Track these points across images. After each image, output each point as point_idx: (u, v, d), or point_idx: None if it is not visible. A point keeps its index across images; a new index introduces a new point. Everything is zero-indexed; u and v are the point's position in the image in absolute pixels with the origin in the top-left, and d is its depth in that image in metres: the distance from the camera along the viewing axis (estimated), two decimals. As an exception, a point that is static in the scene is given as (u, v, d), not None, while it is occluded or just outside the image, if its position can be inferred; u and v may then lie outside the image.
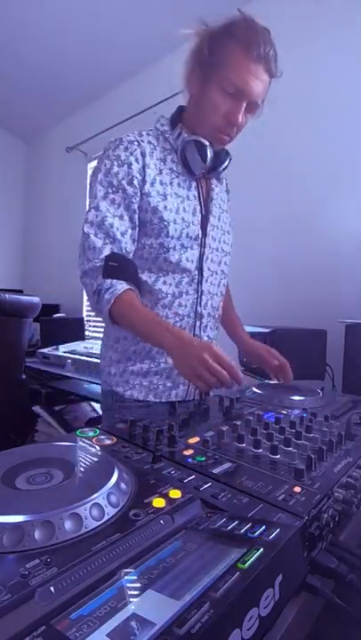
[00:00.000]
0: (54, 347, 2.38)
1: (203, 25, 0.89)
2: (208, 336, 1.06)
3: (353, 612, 0.34)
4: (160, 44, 2.32)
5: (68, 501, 0.37)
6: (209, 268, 1.02)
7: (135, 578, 0.30)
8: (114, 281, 0.86)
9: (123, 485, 0.42)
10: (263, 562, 0.32)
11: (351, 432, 0.68)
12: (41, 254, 3.75)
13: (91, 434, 0.61)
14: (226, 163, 1.04)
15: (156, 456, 0.52)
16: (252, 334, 1.38)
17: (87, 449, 0.52)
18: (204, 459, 0.54)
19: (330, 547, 0.42)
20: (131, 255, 0.92)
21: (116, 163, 0.90)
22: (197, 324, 1.02)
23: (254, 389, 0.96)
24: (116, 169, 0.90)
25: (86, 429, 0.62)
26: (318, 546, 0.41)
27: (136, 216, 0.92)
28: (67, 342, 2.46)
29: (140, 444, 0.58)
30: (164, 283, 0.96)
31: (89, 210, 0.91)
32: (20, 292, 3.02)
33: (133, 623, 0.26)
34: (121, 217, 0.90)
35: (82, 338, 2.72)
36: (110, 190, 0.90)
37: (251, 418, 0.70)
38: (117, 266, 0.88)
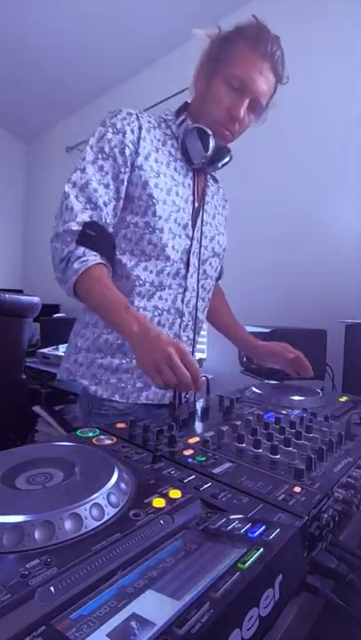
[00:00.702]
0: (54, 347, 2.38)
1: (216, 29, 0.90)
2: (188, 336, 1.00)
3: (353, 612, 0.34)
4: (160, 43, 2.32)
5: (68, 501, 0.37)
6: (194, 264, 0.97)
7: (135, 578, 0.30)
8: (87, 250, 0.80)
9: (123, 485, 0.42)
10: (263, 562, 0.32)
11: (351, 432, 0.68)
12: (41, 254, 3.74)
13: (91, 434, 0.60)
14: (226, 159, 1.01)
15: (156, 456, 0.52)
16: (252, 334, 1.38)
17: (87, 449, 0.52)
18: (204, 459, 0.54)
19: (330, 547, 0.42)
20: (110, 229, 0.87)
21: (110, 130, 0.87)
22: (178, 321, 0.97)
23: (254, 389, 0.95)
24: (110, 135, 0.86)
25: (86, 429, 0.62)
26: (318, 546, 0.41)
27: (123, 188, 0.87)
28: (67, 342, 2.46)
29: (140, 443, 0.58)
30: (145, 269, 0.90)
31: (74, 170, 0.85)
32: (20, 291, 3.02)
33: (133, 623, 0.26)
34: (107, 185, 0.85)
35: (82, 338, 2.71)
36: (100, 156, 0.85)
37: (251, 418, 0.70)
38: (95, 235, 0.82)
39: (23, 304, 1.87)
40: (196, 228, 0.97)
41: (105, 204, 0.84)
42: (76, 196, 0.82)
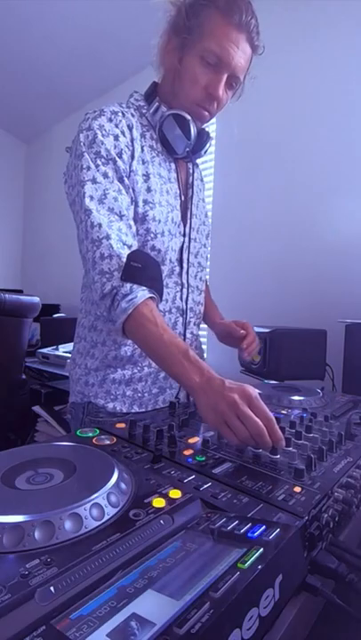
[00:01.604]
0: (54, 347, 2.38)
1: None
2: (192, 332, 0.98)
3: (353, 612, 0.34)
4: (160, 43, 2.31)
5: (68, 501, 0.37)
6: (188, 260, 0.94)
7: (135, 578, 0.30)
8: (134, 286, 0.72)
9: (123, 485, 0.42)
10: (263, 562, 0.32)
11: (351, 432, 0.68)
12: (41, 254, 3.75)
13: (91, 434, 0.60)
14: (208, 145, 0.95)
15: (156, 456, 0.52)
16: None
17: (87, 449, 0.52)
18: (204, 459, 0.54)
19: (330, 547, 0.42)
20: (136, 237, 0.81)
21: (99, 132, 0.79)
22: (181, 320, 0.94)
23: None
24: (100, 138, 0.79)
25: (86, 429, 0.62)
26: (318, 546, 0.41)
27: (130, 192, 0.81)
28: (67, 342, 2.46)
29: (140, 444, 0.58)
30: None
31: (84, 183, 0.77)
32: (20, 292, 3.02)
33: (133, 623, 0.26)
34: (119, 191, 0.79)
35: (82, 338, 2.71)
36: (100, 162, 0.78)
37: (251, 418, 0.69)
38: (140, 268, 0.73)
39: (23, 304, 1.87)
40: (186, 222, 0.93)
41: (127, 210, 0.79)
42: (97, 210, 0.76)
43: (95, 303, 0.77)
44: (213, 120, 2.21)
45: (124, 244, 0.76)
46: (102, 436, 0.59)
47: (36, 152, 3.90)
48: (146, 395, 0.90)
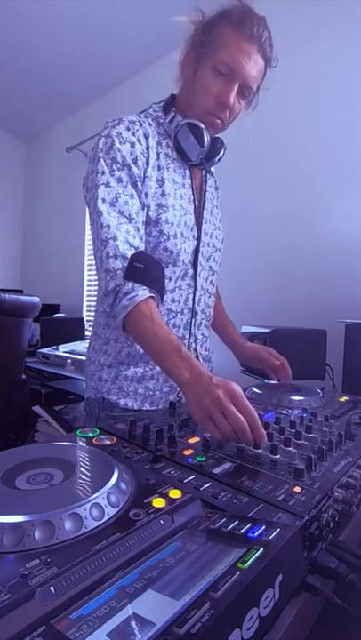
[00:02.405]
0: (54, 347, 2.38)
1: (199, 12, 0.87)
2: (203, 334, 1.02)
3: (353, 612, 0.34)
4: (161, 42, 2.32)
5: (68, 501, 0.37)
6: (201, 263, 0.98)
7: (135, 578, 0.30)
8: (135, 285, 0.77)
9: (123, 485, 0.42)
10: (263, 562, 0.32)
11: (351, 432, 0.68)
12: (41, 254, 3.75)
13: (91, 434, 0.60)
14: (221, 153, 0.99)
15: (156, 456, 0.52)
16: (253, 334, 1.38)
17: (87, 449, 0.52)
18: (204, 459, 0.54)
19: (330, 547, 0.42)
20: (144, 240, 0.86)
21: (117, 140, 0.84)
22: (192, 321, 0.97)
23: (254, 389, 0.95)
24: (118, 145, 0.83)
25: (86, 429, 0.62)
26: (318, 546, 0.41)
27: (143, 198, 0.86)
28: (67, 342, 2.46)
29: (140, 444, 0.58)
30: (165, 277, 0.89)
31: (97, 187, 0.82)
32: (20, 292, 3.03)
33: (133, 623, 0.26)
34: (131, 196, 0.83)
35: (82, 338, 2.72)
36: (115, 167, 0.83)
37: (251, 418, 0.69)
38: (143, 268, 0.78)
39: (23, 304, 1.88)
40: (200, 227, 0.97)
41: (137, 214, 0.83)
42: (108, 212, 0.80)
43: (100, 299, 0.81)
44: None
45: (131, 246, 0.80)
46: (102, 436, 0.59)
47: (36, 152, 3.90)
48: (157, 393, 0.93)
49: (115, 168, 0.83)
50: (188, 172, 0.96)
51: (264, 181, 1.90)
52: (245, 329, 1.44)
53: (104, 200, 0.81)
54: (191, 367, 0.68)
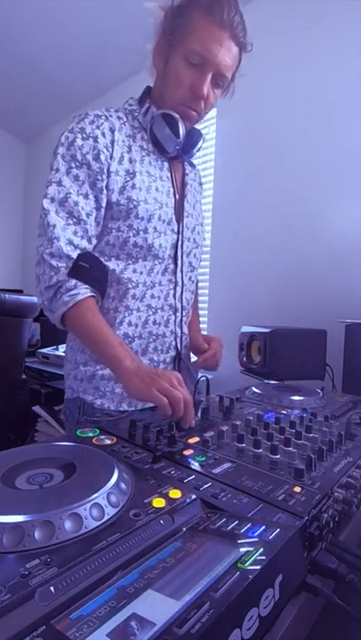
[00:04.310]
0: (54, 347, 2.38)
1: None
2: (183, 331, 0.99)
3: (353, 612, 0.34)
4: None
5: (68, 501, 0.37)
6: (181, 258, 0.95)
7: (135, 578, 0.30)
8: (78, 283, 0.78)
9: (123, 485, 0.42)
10: (263, 562, 0.32)
11: (351, 432, 0.68)
12: (41, 254, 3.74)
13: (91, 434, 0.60)
14: (199, 144, 0.95)
15: (156, 456, 0.52)
16: (253, 334, 1.38)
17: (87, 449, 0.52)
18: (204, 459, 0.54)
19: (330, 547, 0.42)
20: (94, 240, 0.84)
21: (79, 135, 0.81)
22: (173, 318, 0.95)
23: (254, 389, 0.95)
24: (79, 142, 0.81)
25: (86, 429, 0.62)
26: (318, 546, 0.41)
27: (102, 196, 0.82)
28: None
29: (140, 444, 0.58)
30: (135, 271, 0.87)
31: (49, 184, 0.81)
32: (20, 292, 3.02)
33: (133, 623, 0.26)
34: (86, 195, 0.81)
35: (82, 338, 2.71)
36: (73, 165, 0.81)
37: (251, 418, 0.70)
38: (88, 268, 0.79)
39: (23, 304, 1.88)
40: (181, 220, 0.94)
41: (87, 216, 0.81)
42: (57, 212, 0.79)
43: (40, 292, 0.81)
44: (213, 121, 2.21)
45: (76, 247, 0.80)
46: (102, 436, 0.59)
47: (35, 152, 3.90)
48: None
49: (73, 165, 0.81)
50: (166, 165, 0.93)
51: (264, 182, 1.90)
52: (245, 329, 1.44)
53: (53, 199, 0.80)
54: (132, 357, 0.74)
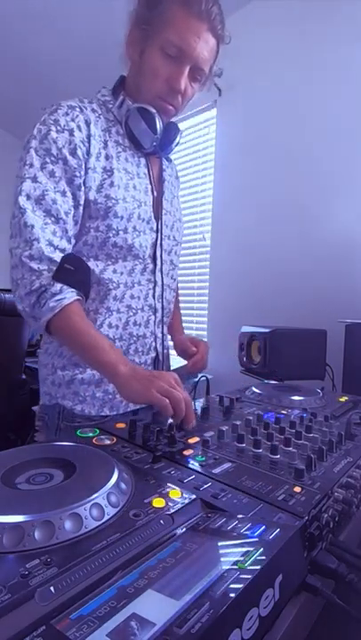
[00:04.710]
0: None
1: None
2: (162, 332, 0.96)
3: (353, 612, 0.34)
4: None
5: (68, 501, 0.37)
6: (161, 256, 0.92)
7: (135, 578, 0.30)
8: (64, 287, 0.74)
9: (123, 485, 0.42)
10: (263, 562, 0.32)
11: (351, 432, 0.68)
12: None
13: (91, 434, 0.61)
14: (177, 139, 0.93)
15: (156, 456, 0.52)
16: (253, 334, 1.38)
17: (87, 449, 0.52)
18: (204, 459, 0.54)
19: (330, 547, 0.42)
20: (73, 240, 0.80)
21: (53, 128, 0.76)
22: (153, 318, 0.92)
23: (254, 389, 0.95)
24: (54, 134, 0.75)
25: (86, 429, 0.62)
26: (318, 546, 0.41)
27: (80, 193, 0.78)
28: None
29: (140, 444, 0.58)
30: (115, 271, 0.84)
31: (22, 180, 0.75)
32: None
33: (133, 623, 0.26)
34: (63, 193, 0.76)
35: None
36: (49, 160, 0.75)
37: (251, 418, 0.70)
38: (73, 270, 0.75)
39: (23, 304, 1.87)
40: (159, 218, 0.91)
41: (66, 214, 0.77)
42: (33, 210, 0.74)
43: (20, 297, 0.76)
44: (213, 121, 2.21)
45: (56, 248, 0.76)
46: (102, 436, 0.59)
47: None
48: (117, 396, 0.86)
49: (48, 160, 0.75)
50: (143, 161, 0.89)
51: (264, 182, 1.90)
52: (245, 329, 1.44)
53: (29, 197, 0.74)
54: (125, 361, 0.72)
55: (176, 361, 1.11)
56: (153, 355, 0.95)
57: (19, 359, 2.03)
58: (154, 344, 0.94)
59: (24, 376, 2.08)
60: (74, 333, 0.73)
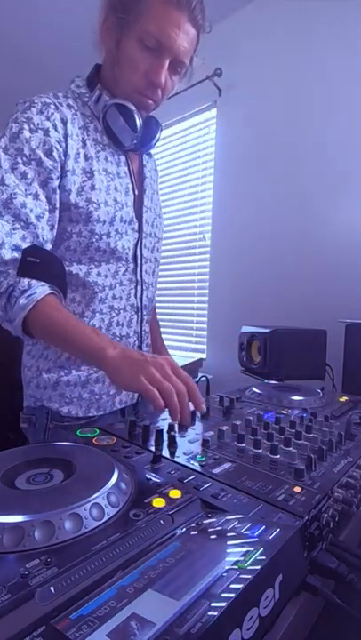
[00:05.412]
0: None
1: None
2: (145, 330, 0.95)
3: (353, 612, 0.34)
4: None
5: (68, 501, 0.37)
6: (144, 256, 0.90)
7: (135, 578, 0.30)
8: (32, 281, 0.69)
9: (123, 485, 0.42)
10: (263, 562, 0.32)
11: (351, 432, 0.68)
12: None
13: (91, 434, 0.61)
14: (158, 134, 0.90)
15: (156, 456, 0.52)
16: (253, 334, 1.38)
17: (87, 449, 0.52)
18: (204, 459, 0.54)
19: (330, 547, 0.42)
20: (49, 245, 0.76)
21: (26, 126, 0.71)
22: (136, 317, 0.91)
23: (254, 389, 0.95)
24: (27, 134, 0.71)
25: (86, 429, 0.62)
26: (318, 546, 0.41)
27: (56, 197, 0.74)
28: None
29: (140, 444, 0.58)
30: (99, 274, 0.82)
31: None
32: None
33: (133, 623, 0.26)
34: (36, 196, 0.72)
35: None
36: (20, 160, 0.71)
37: (251, 418, 0.70)
38: (39, 262, 0.70)
39: (23, 304, 1.87)
40: (141, 217, 0.89)
41: (38, 218, 0.72)
42: (1, 215, 0.69)
43: None
44: (213, 121, 2.21)
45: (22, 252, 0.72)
46: (102, 436, 0.59)
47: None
48: (104, 397, 0.85)
49: (19, 161, 0.71)
50: (123, 159, 0.86)
51: (264, 182, 1.90)
52: (245, 329, 1.44)
53: None
54: (114, 344, 0.66)
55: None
56: None
57: (19, 359, 2.03)
58: (137, 342, 0.94)
59: (24, 376, 2.07)
60: (53, 327, 0.69)
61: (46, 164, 0.72)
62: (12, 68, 2.91)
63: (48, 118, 0.73)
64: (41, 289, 0.69)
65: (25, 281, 0.68)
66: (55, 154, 0.73)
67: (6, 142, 0.72)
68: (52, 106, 0.75)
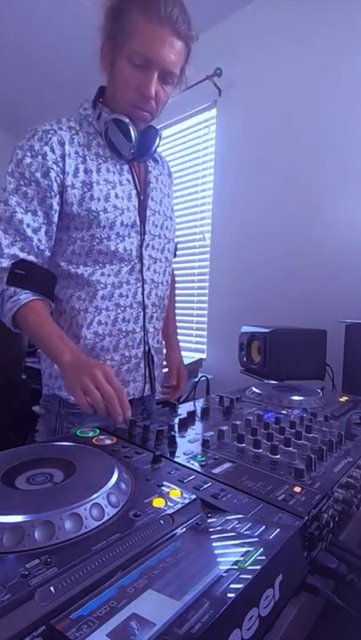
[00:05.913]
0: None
1: None
2: (154, 327, 1.01)
3: (353, 612, 0.34)
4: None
5: (68, 501, 0.37)
6: (150, 256, 0.97)
7: (135, 578, 0.30)
8: (17, 289, 0.81)
9: (123, 485, 0.42)
10: (263, 562, 0.32)
11: (351, 432, 0.68)
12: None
13: (91, 434, 0.61)
14: (157, 142, 0.96)
15: (156, 456, 0.52)
16: (253, 334, 1.38)
17: (87, 449, 0.52)
18: (204, 459, 0.54)
19: (330, 547, 0.42)
20: (47, 253, 0.87)
21: (28, 153, 0.83)
22: (142, 314, 0.97)
23: (254, 389, 0.96)
24: (28, 160, 0.83)
25: (86, 429, 0.62)
26: (318, 546, 0.41)
27: (53, 212, 0.85)
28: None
29: (140, 444, 0.58)
30: (102, 274, 0.90)
31: None
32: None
33: (133, 623, 0.26)
34: (34, 212, 0.83)
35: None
36: (22, 182, 0.83)
37: (251, 418, 0.70)
38: (24, 274, 0.82)
39: (23, 304, 1.87)
40: (145, 220, 0.95)
41: (35, 232, 0.84)
42: (5, 230, 0.82)
43: None
44: (213, 121, 2.21)
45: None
46: (102, 436, 0.59)
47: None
48: None
49: (22, 183, 0.83)
50: (126, 167, 0.94)
51: (264, 182, 1.90)
52: (245, 329, 1.44)
53: (0, 219, 0.82)
54: (72, 351, 0.77)
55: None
56: (144, 348, 0.98)
57: (19, 359, 2.03)
58: (145, 338, 0.98)
59: (24, 376, 2.07)
60: (31, 330, 0.81)
61: (43, 184, 0.83)
62: (13, 68, 2.91)
63: (47, 143, 0.84)
64: (24, 296, 0.81)
65: (11, 289, 0.81)
66: (52, 174, 0.83)
67: (13, 167, 0.84)
68: (51, 132, 0.85)
